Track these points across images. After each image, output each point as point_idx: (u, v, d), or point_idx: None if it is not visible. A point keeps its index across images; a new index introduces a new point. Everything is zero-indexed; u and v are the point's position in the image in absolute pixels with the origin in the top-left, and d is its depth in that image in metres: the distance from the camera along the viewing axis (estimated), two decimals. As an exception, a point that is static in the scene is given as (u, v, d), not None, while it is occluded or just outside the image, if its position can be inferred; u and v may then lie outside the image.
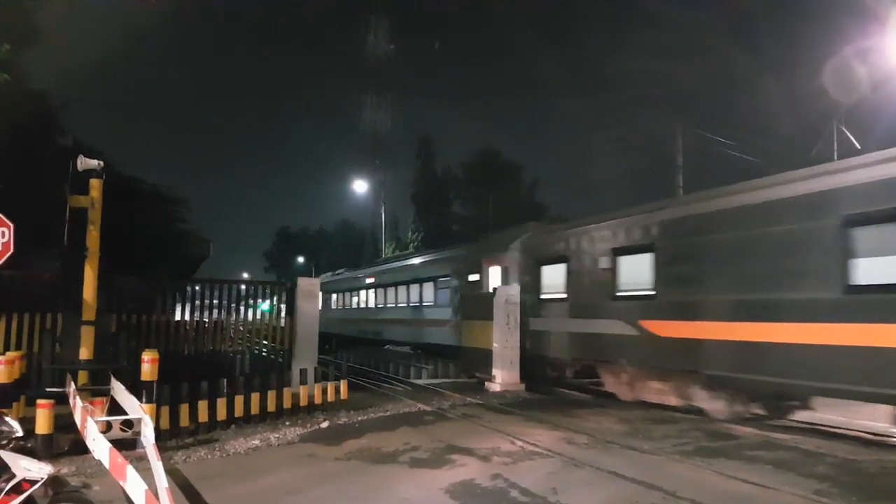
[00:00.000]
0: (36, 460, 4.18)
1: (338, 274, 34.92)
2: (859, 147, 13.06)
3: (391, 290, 24.78)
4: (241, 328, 13.35)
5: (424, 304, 21.75)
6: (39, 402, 7.36)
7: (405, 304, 23.30)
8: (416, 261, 24.52)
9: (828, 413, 9.83)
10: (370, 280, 27.36)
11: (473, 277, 17.92)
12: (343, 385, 11.07)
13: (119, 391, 7.51)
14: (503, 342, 13.81)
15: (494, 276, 16.83)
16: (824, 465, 6.95)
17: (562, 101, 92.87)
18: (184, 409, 8.84)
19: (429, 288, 21.24)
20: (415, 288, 22.50)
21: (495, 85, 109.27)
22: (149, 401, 7.80)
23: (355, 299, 29.44)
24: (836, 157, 13.12)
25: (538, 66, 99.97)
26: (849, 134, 13.53)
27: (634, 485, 6.28)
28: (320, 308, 31.64)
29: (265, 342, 13.58)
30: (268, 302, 13.99)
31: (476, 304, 15.40)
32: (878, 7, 14.17)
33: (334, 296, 32.50)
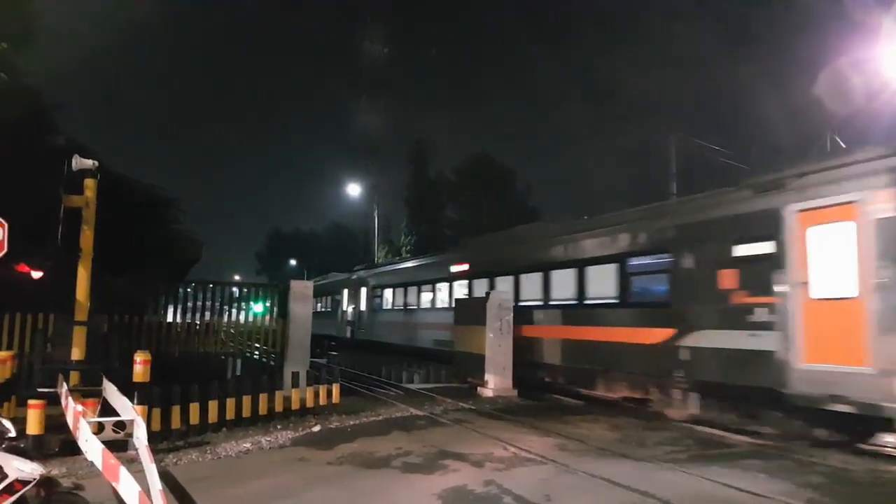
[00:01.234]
0: (28, 460, 4.14)
1: (392, 262, 28.22)
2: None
3: (503, 282, 16.48)
4: (233, 330, 13.30)
5: (589, 300, 13.29)
6: (31, 402, 7.31)
7: (540, 302, 14.96)
8: (574, 233, 14.34)
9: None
10: (458, 269, 19.29)
11: (752, 249, 9.63)
12: (335, 389, 11.01)
13: (111, 392, 7.45)
14: (496, 347, 13.80)
15: (832, 240, 8.62)
16: (817, 474, 6.98)
17: (558, 107, 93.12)
18: (175, 410, 8.79)
19: (602, 275, 12.86)
20: (562, 277, 14.11)
21: (490, 90, 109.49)
22: (141, 402, 7.75)
23: (427, 297, 21.35)
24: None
25: (534, 73, 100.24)
26: (842, 144, 13.66)
27: (628, 492, 6.28)
28: (363, 308, 27.21)
29: (257, 345, 13.54)
30: (261, 304, 13.97)
31: (468, 309, 15.38)
32: (871, 19, 14.33)
33: (387, 292, 24.78)
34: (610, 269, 12.53)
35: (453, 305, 18.07)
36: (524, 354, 14.39)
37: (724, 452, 8.13)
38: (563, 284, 14.00)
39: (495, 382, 13.63)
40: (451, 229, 44.59)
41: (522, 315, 14.76)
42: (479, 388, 13.83)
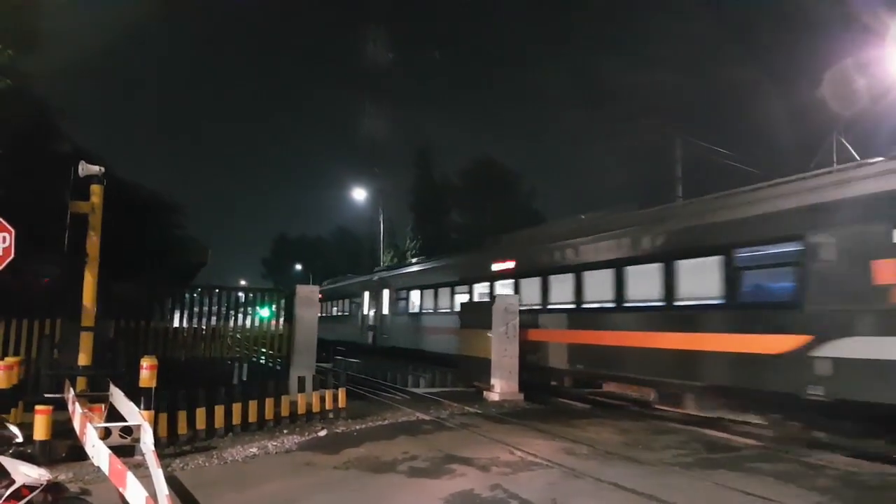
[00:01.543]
0: (35, 466, 4.15)
1: (420, 261, 25.26)
2: (859, 159, 13.11)
3: (559, 281, 14.52)
4: (239, 335, 13.32)
5: (680, 301, 11.07)
6: (38, 407, 7.31)
7: (611, 304, 12.65)
8: (658, 222, 12.18)
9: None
10: (501, 266, 17.09)
11: None
12: (341, 393, 11.02)
13: (118, 397, 7.47)
14: (502, 351, 13.78)
15: None
16: (826, 478, 6.94)
17: (560, 109, 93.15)
18: (181, 415, 8.79)
19: (700, 271, 10.72)
20: (643, 274, 11.82)
21: (493, 92, 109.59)
22: (147, 407, 7.75)
23: (462, 299, 18.45)
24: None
25: (538, 76, 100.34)
26: (848, 146, 13.58)
27: (636, 496, 6.25)
28: (385, 312, 25.17)
29: (263, 350, 13.56)
30: (267, 309, 13.98)
31: (474, 313, 15.34)
32: (874, 22, 14.28)
33: (414, 294, 22.45)
34: (711, 264, 10.31)
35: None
36: (585, 364, 13.04)
37: (731, 456, 8.08)
38: (645, 283, 11.71)
39: (501, 386, 13.60)
40: (457, 233, 44.64)
41: (584, 320, 13.29)
42: (485, 393, 13.80)
